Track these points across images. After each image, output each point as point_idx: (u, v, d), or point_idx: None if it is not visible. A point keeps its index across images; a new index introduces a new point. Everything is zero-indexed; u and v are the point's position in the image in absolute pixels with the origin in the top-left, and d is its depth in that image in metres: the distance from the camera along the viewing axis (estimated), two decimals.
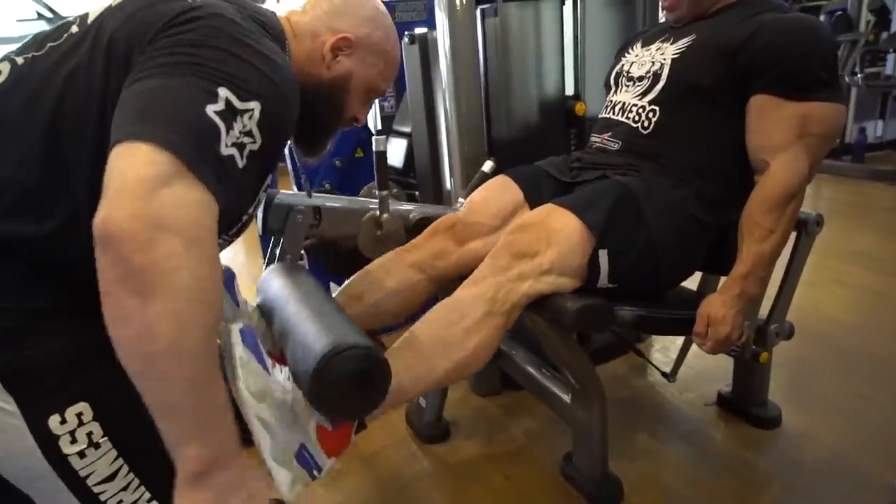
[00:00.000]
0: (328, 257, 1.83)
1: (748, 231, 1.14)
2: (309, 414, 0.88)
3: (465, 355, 1.04)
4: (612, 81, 1.38)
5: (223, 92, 0.65)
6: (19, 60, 0.76)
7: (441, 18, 1.63)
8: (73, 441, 0.70)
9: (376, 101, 3.42)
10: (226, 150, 0.64)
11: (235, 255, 3.41)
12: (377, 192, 1.42)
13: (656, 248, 1.14)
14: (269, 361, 0.91)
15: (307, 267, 1.57)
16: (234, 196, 0.67)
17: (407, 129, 2.27)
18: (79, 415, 0.70)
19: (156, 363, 0.59)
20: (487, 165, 1.61)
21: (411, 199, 2.76)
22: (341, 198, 1.48)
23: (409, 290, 1.25)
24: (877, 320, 2.20)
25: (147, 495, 0.78)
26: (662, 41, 1.30)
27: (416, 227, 1.40)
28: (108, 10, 0.77)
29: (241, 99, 0.66)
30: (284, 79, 0.74)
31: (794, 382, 1.81)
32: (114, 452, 0.74)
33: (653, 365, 1.64)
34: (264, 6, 0.91)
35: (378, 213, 1.41)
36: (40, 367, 0.69)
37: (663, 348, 2.04)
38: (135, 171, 0.58)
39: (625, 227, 1.12)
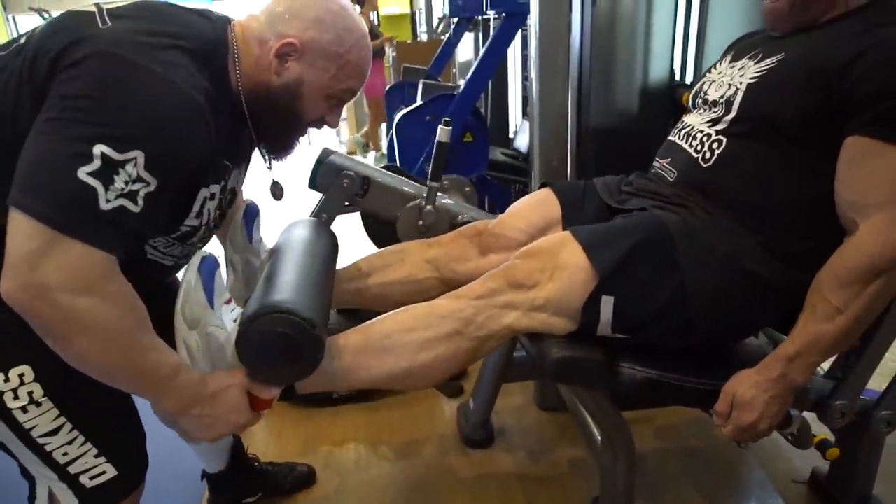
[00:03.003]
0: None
1: (810, 304, 0.90)
2: (237, 365, 0.87)
3: (412, 367, 0.96)
4: (691, 100, 1.17)
5: (98, 149, 0.69)
6: None
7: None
8: (16, 397, 0.80)
9: (518, 79, 3.32)
10: (108, 205, 0.70)
11: None
12: (428, 183, 1.36)
13: (689, 301, 0.94)
14: (224, 296, 0.94)
15: None
16: (134, 237, 0.76)
17: None
18: (21, 375, 0.80)
19: (99, 373, 0.77)
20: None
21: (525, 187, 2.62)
22: (397, 176, 1.43)
23: (417, 284, 1.20)
24: None
25: (94, 451, 0.86)
26: (751, 57, 1.05)
27: None
28: (36, 31, 0.81)
29: (120, 151, 0.70)
30: (169, 114, 0.75)
31: None
32: (55, 411, 0.82)
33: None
34: (217, 13, 0.92)
35: (423, 203, 1.36)
36: None
37: None
38: (17, 245, 0.68)
39: (646, 274, 0.94)
